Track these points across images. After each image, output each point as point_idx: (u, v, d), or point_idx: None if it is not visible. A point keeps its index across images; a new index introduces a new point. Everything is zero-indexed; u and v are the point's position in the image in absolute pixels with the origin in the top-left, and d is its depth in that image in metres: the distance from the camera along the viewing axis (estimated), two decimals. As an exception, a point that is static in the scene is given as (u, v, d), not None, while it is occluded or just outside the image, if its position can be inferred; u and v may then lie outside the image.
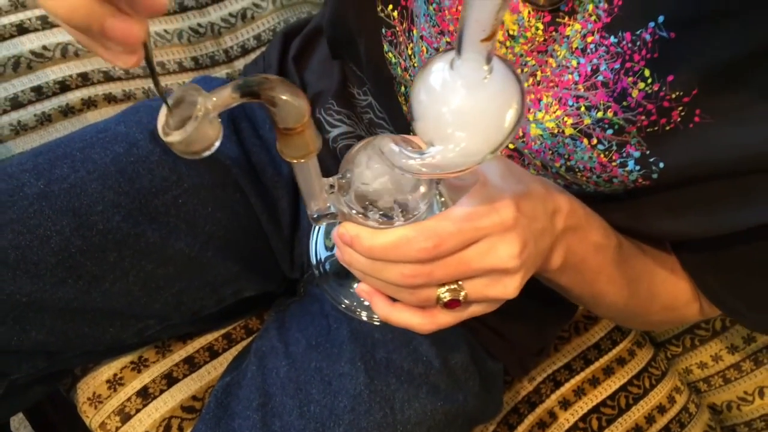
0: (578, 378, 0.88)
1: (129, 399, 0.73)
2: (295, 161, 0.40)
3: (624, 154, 0.49)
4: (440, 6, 0.53)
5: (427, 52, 0.57)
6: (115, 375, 0.74)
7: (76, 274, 0.60)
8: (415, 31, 0.57)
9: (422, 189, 0.45)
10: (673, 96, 0.45)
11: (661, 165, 0.48)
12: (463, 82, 0.35)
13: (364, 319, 0.55)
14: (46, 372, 0.67)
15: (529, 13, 0.49)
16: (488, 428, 0.82)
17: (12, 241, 0.57)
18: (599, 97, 0.48)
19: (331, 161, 0.70)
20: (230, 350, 0.78)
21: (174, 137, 0.34)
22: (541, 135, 0.53)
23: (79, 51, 0.80)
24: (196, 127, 0.33)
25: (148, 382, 0.74)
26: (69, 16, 0.30)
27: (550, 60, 0.50)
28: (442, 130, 0.37)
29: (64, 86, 0.78)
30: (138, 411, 0.73)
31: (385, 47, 0.61)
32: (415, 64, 0.58)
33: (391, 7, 0.59)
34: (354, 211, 0.44)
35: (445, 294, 0.45)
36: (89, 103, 0.80)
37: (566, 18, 0.48)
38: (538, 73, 0.51)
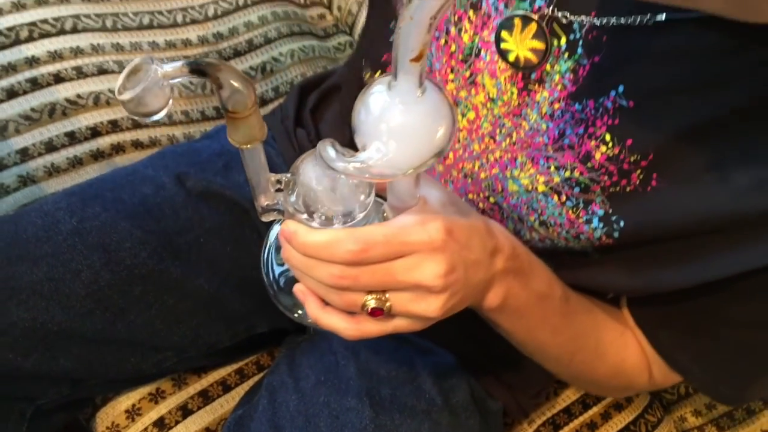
0: (577, 422, 0.91)
1: (146, 429, 0.76)
2: (240, 146, 0.43)
3: (590, 212, 0.54)
4: (431, 68, 0.59)
5: None
6: (133, 405, 0.77)
7: (103, 306, 0.64)
8: None
9: (361, 197, 0.48)
10: (632, 159, 0.50)
11: (622, 224, 0.53)
12: (398, 100, 0.40)
13: (310, 325, 0.57)
14: (69, 399, 0.70)
15: (505, 78, 0.55)
16: (488, 468, 0.84)
17: (47, 274, 0.62)
18: (567, 158, 0.53)
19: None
20: (242, 385, 0.82)
21: (125, 96, 0.37)
22: (517, 191, 0.57)
23: (110, 100, 0.86)
24: (144, 89, 0.37)
25: (165, 413, 0.77)
26: None
27: (524, 123, 0.55)
28: (376, 140, 0.41)
29: (95, 132, 0.84)
30: (154, 441, 0.76)
31: None
32: None
33: (379, 72, 0.64)
34: (297, 211, 0.47)
35: (370, 301, 0.47)
36: (118, 148, 0.85)
37: (536, 85, 0.53)
38: (514, 134, 0.56)
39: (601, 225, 0.54)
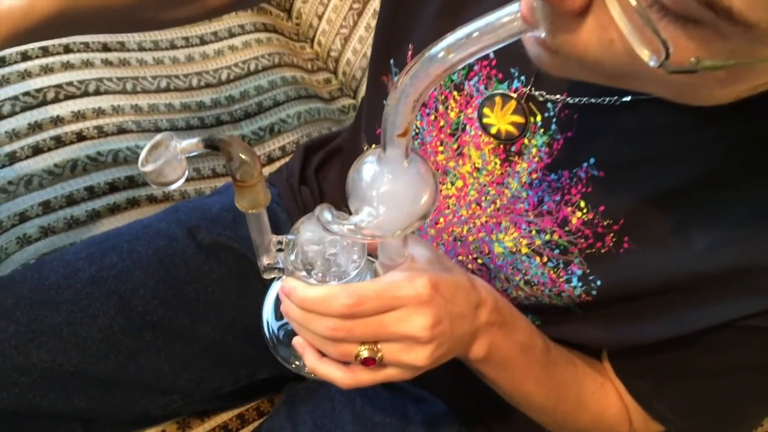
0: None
1: (151, 469, 0.79)
2: (246, 211, 0.49)
3: (569, 272, 0.59)
4: (423, 141, 0.64)
5: None
6: (140, 446, 0.81)
7: (116, 350, 0.69)
8: None
9: (355, 256, 0.53)
10: (605, 224, 0.55)
11: (599, 283, 0.58)
12: (387, 169, 0.46)
13: (307, 375, 0.60)
14: (80, 439, 0.74)
15: (489, 151, 0.60)
16: None
17: (66, 318, 0.66)
18: (546, 223, 0.58)
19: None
20: (243, 429, 0.85)
21: (148, 168, 0.42)
22: (503, 252, 0.62)
23: (128, 157, 0.92)
24: (164, 162, 0.43)
25: (169, 455, 0.81)
26: None
27: (506, 191, 0.60)
28: (367, 205, 0.46)
29: (113, 187, 0.90)
30: (158, 482, 0.79)
31: None
32: None
33: (374, 146, 0.69)
34: (296, 270, 0.52)
35: (363, 351, 0.51)
36: (133, 203, 0.91)
37: (517, 157, 0.59)
38: (498, 201, 0.61)
39: (580, 284, 0.59)
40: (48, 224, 0.85)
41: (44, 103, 0.91)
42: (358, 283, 0.52)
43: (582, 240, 0.57)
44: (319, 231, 0.51)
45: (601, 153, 0.54)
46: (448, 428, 0.77)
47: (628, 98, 0.51)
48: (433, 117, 0.63)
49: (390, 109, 0.42)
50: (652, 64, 0.32)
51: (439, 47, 0.39)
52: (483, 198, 0.62)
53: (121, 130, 0.93)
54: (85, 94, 0.93)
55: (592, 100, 0.53)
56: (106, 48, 1.00)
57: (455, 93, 0.61)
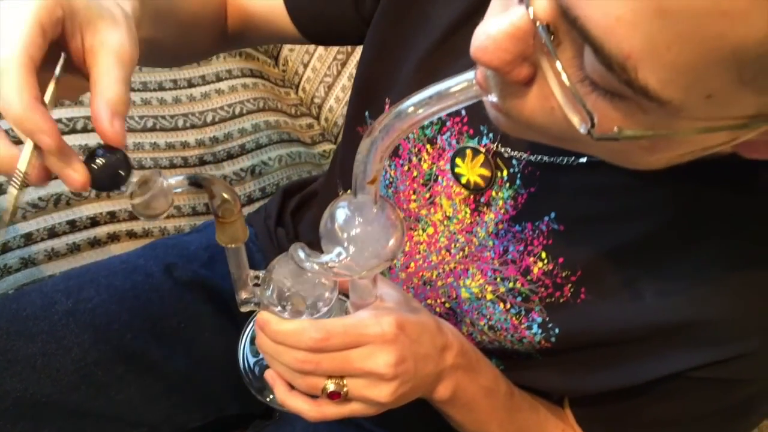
0: None
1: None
2: (226, 245, 0.52)
3: (530, 319, 0.62)
4: (396, 189, 0.68)
5: None
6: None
7: (88, 381, 0.70)
8: None
9: (326, 294, 0.56)
10: (564, 275, 0.59)
11: (557, 330, 0.61)
12: (357, 214, 0.49)
13: (278, 407, 0.63)
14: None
15: (459, 201, 0.64)
16: None
17: (41, 349, 0.68)
18: (510, 271, 0.62)
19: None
20: (209, 465, 0.86)
21: (136, 201, 0.46)
22: (469, 298, 0.65)
23: (110, 193, 0.94)
24: (152, 196, 0.46)
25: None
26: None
27: (474, 239, 0.64)
28: (338, 246, 0.50)
29: (94, 222, 0.92)
30: None
31: None
32: None
33: (348, 191, 0.73)
34: (271, 304, 0.55)
35: (329, 385, 0.53)
36: (114, 237, 0.93)
37: (485, 208, 0.62)
38: (466, 248, 0.65)
39: (540, 331, 0.62)
40: (29, 255, 0.86)
41: (32, 137, 0.93)
42: (328, 319, 0.55)
43: (542, 289, 0.60)
44: (293, 269, 0.54)
45: (561, 208, 0.58)
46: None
47: (584, 159, 0.55)
48: (406, 168, 0.66)
49: (361, 158, 0.45)
50: (582, 131, 0.36)
51: (408, 104, 0.42)
52: (452, 245, 0.65)
53: (106, 167, 0.96)
54: (73, 131, 0.95)
55: (552, 159, 0.57)
56: (95, 87, 1.03)
57: (428, 146, 0.64)
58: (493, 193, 0.61)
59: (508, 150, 0.59)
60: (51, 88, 0.44)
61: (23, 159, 0.42)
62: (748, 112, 0.34)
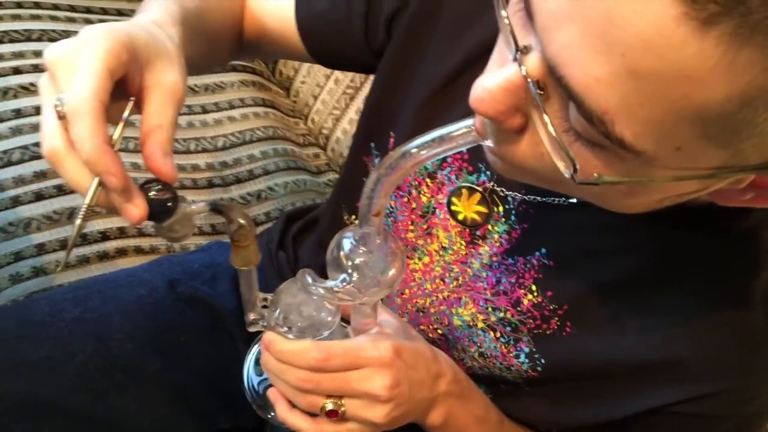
0: None
1: None
2: (239, 268, 0.56)
3: (518, 348, 0.65)
4: (395, 219, 0.71)
5: None
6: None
7: (88, 387, 0.72)
8: None
9: (329, 318, 0.59)
10: (551, 308, 0.62)
11: (543, 361, 0.64)
12: (362, 243, 0.53)
13: (279, 425, 0.66)
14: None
15: (455, 233, 0.67)
16: None
17: (47, 353, 0.71)
18: (501, 302, 0.65)
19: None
20: (199, 479, 0.88)
21: (164, 223, 0.49)
22: (461, 325, 0.68)
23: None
24: (176, 220, 0.49)
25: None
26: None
27: (468, 269, 0.67)
28: (343, 272, 0.54)
29: (104, 236, 0.95)
30: None
31: None
32: None
33: (354, 217, 0.77)
34: (277, 325, 0.58)
35: (328, 404, 0.57)
36: (121, 252, 0.96)
37: (480, 240, 0.66)
38: (460, 278, 0.68)
39: (527, 360, 0.64)
40: (41, 265, 0.90)
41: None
42: (330, 341, 0.58)
43: (531, 320, 0.63)
44: (300, 293, 0.58)
45: (552, 245, 0.61)
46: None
47: (575, 199, 0.58)
48: (406, 199, 0.70)
49: (367, 192, 0.49)
50: (566, 175, 0.39)
51: (413, 145, 0.47)
52: (447, 274, 0.68)
53: (120, 185, 1.00)
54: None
55: (545, 199, 0.60)
56: (113, 108, 1.08)
57: (428, 180, 0.68)
58: (489, 227, 0.64)
59: (503, 189, 0.63)
60: (119, 129, 0.48)
61: (90, 194, 0.46)
62: (715, 164, 0.37)
